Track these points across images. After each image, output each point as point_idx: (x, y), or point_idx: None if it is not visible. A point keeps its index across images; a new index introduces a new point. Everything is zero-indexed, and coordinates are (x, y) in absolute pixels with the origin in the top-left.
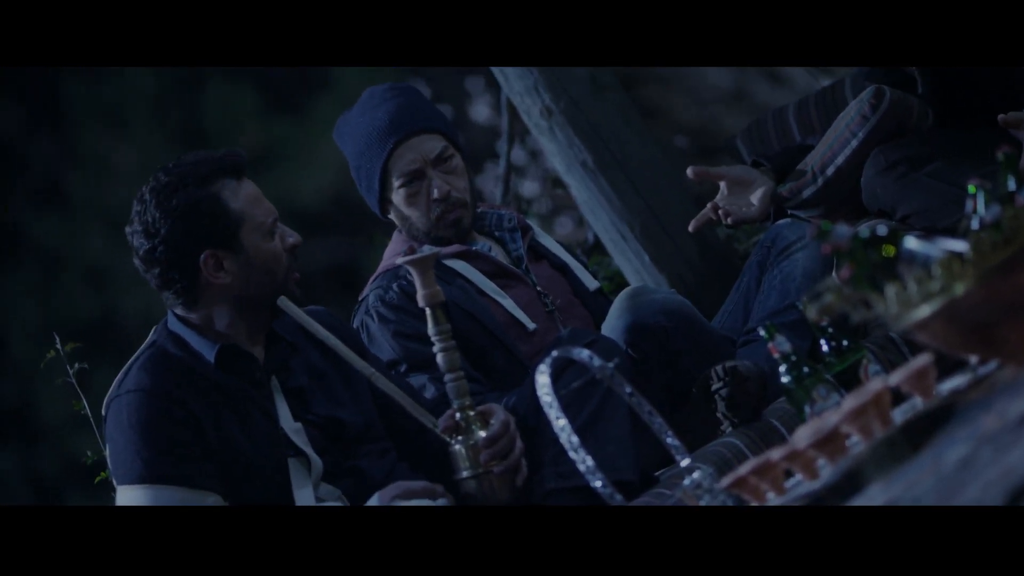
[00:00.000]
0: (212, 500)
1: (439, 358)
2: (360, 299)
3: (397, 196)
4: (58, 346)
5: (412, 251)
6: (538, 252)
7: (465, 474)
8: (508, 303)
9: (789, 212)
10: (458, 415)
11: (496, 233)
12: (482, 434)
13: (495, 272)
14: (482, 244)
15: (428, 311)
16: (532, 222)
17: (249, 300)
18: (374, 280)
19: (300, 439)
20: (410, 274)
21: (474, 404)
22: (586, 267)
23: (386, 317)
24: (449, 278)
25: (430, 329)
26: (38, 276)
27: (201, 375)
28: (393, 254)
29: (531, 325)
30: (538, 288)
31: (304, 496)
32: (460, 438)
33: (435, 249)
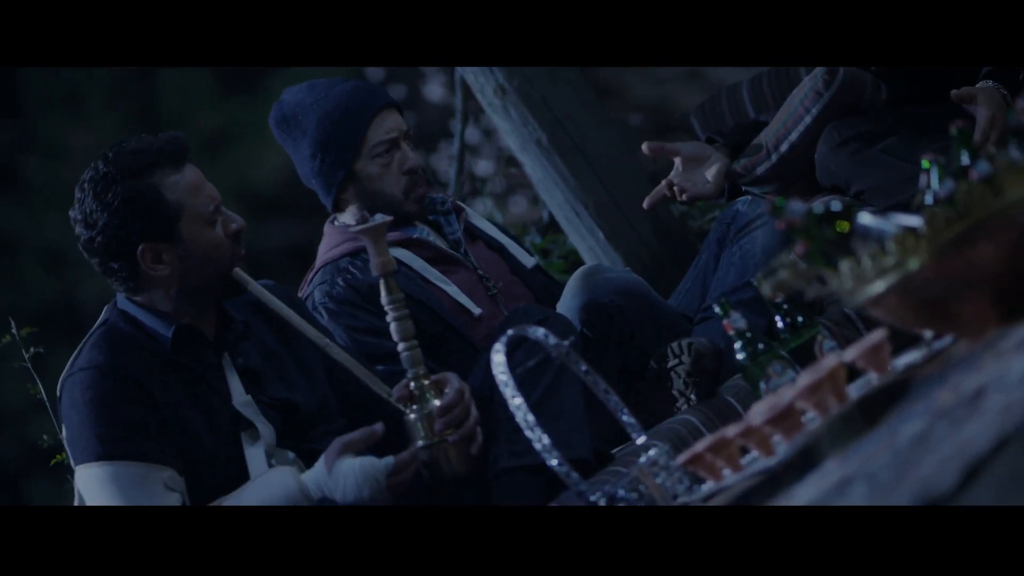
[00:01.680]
0: (169, 475)
1: (392, 327)
2: (303, 296)
3: (371, 166)
4: (13, 331)
5: (364, 219)
6: (473, 234)
7: (420, 443)
8: (452, 289)
9: (743, 188)
10: (412, 384)
11: (431, 217)
12: (437, 403)
13: (436, 258)
14: (420, 230)
15: (381, 280)
16: (486, 201)
17: (192, 287)
18: (314, 276)
19: (250, 411)
20: (352, 266)
21: (428, 373)
22: (520, 243)
23: (335, 312)
24: None
25: (383, 298)
26: None
27: (153, 353)
28: (329, 247)
29: (476, 310)
30: (479, 271)
31: (256, 463)
32: (415, 407)
33: (386, 217)
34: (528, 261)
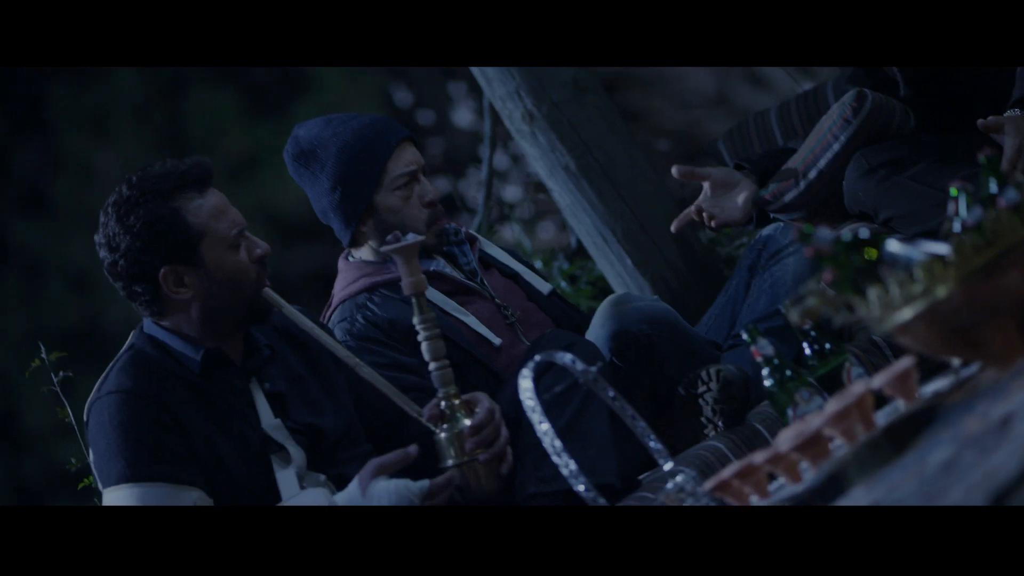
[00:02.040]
0: (197, 495)
1: (424, 347)
2: None
3: (391, 199)
4: (43, 355)
5: (396, 239)
6: (487, 263)
7: (450, 462)
8: (472, 320)
9: (771, 215)
10: (443, 403)
11: (445, 248)
12: (467, 422)
13: (455, 290)
14: (437, 262)
15: (414, 300)
16: (515, 227)
17: (217, 311)
18: (332, 313)
19: (281, 435)
20: (371, 302)
21: (459, 392)
22: (534, 270)
23: (356, 349)
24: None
25: (415, 318)
26: (22, 283)
27: (180, 378)
28: (346, 283)
29: (497, 340)
30: (496, 300)
31: (288, 486)
32: (445, 426)
33: (419, 236)
34: (544, 287)
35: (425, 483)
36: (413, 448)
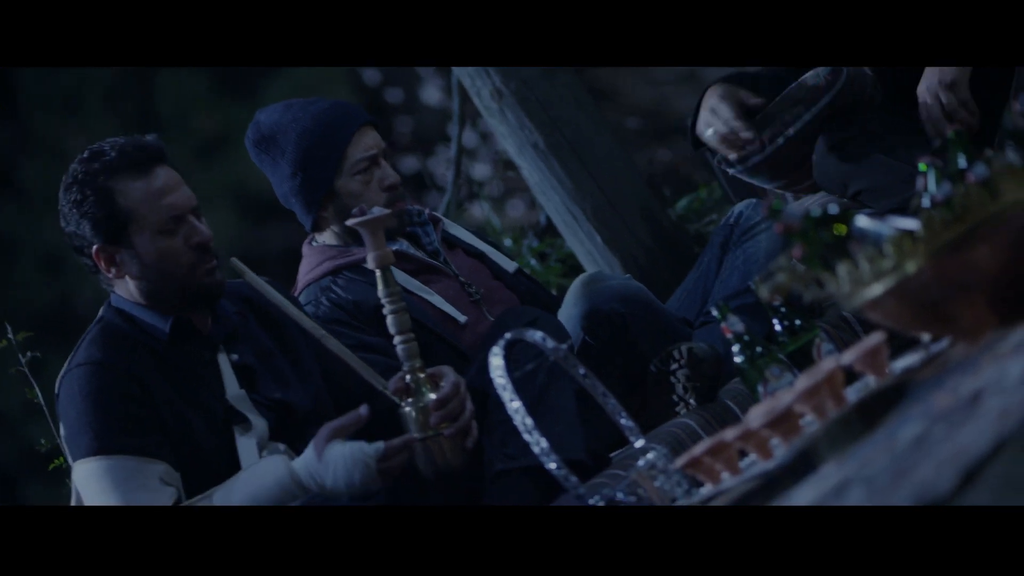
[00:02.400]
0: (164, 469)
1: (389, 320)
2: None
3: (352, 183)
4: (10, 335)
5: (362, 212)
6: (451, 242)
7: (415, 436)
8: (436, 299)
9: (731, 175)
10: (408, 377)
11: (408, 229)
12: (432, 396)
13: (417, 269)
14: (399, 243)
15: (378, 272)
16: (484, 204)
17: (153, 293)
18: (298, 297)
19: (244, 405)
20: (335, 284)
21: (424, 366)
22: (500, 249)
23: None
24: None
25: (380, 291)
26: None
27: (149, 349)
28: (310, 267)
29: (462, 318)
30: (460, 279)
31: (247, 450)
32: (410, 400)
33: (384, 210)
34: (509, 266)
35: (380, 445)
36: (364, 408)
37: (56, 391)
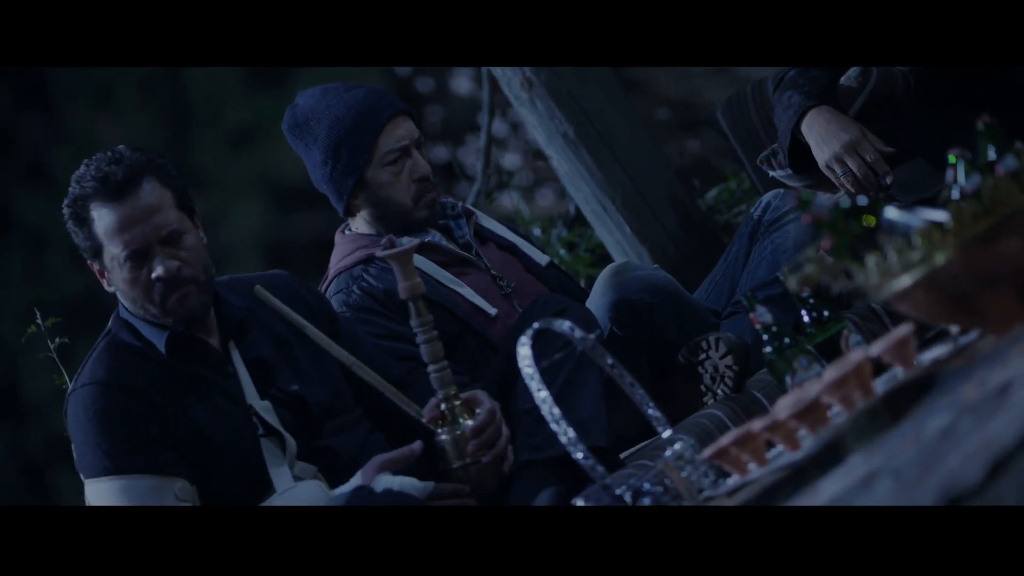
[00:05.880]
0: (180, 485)
1: (422, 350)
2: None
3: (382, 174)
4: (39, 320)
5: (392, 244)
6: (483, 236)
7: (454, 465)
8: (467, 291)
9: (770, 176)
10: (443, 405)
11: (440, 222)
12: (469, 423)
13: (449, 261)
14: (432, 235)
15: (410, 303)
16: (513, 194)
17: (140, 312)
18: (328, 285)
19: (271, 418)
20: (367, 273)
21: (458, 393)
22: (532, 242)
23: (354, 321)
24: None
25: (412, 321)
26: (24, 255)
27: (156, 363)
28: (342, 255)
29: (492, 311)
30: (492, 272)
31: (281, 476)
32: (446, 428)
33: (414, 241)
34: (541, 259)
35: (431, 485)
36: (417, 445)
37: (64, 411)
